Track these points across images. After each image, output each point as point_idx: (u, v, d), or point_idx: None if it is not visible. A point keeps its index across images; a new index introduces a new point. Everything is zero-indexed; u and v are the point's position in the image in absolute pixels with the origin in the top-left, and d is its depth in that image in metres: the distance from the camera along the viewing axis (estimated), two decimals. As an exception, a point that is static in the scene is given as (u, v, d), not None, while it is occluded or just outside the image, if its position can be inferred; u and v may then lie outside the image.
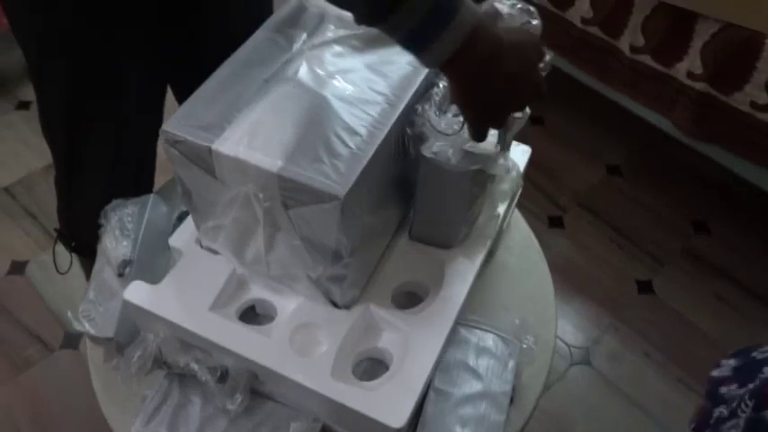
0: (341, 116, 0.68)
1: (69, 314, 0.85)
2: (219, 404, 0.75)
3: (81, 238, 1.04)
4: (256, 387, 0.77)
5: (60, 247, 1.11)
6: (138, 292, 0.77)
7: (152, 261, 0.90)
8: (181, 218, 0.97)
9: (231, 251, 0.76)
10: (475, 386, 0.76)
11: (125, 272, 0.86)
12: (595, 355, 1.46)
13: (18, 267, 1.54)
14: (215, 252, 0.81)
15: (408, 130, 0.71)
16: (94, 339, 0.83)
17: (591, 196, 1.78)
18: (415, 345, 0.74)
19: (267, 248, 0.73)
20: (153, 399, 0.77)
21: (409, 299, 0.82)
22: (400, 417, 0.68)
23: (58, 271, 1.16)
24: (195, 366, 0.75)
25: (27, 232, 1.61)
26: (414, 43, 0.56)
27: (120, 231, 0.88)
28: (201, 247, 0.81)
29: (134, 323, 0.82)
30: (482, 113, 0.62)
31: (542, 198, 1.76)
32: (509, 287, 0.94)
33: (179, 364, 0.77)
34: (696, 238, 1.70)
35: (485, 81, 0.58)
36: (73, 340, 1.43)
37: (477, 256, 0.83)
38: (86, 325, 0.82)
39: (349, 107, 0.69)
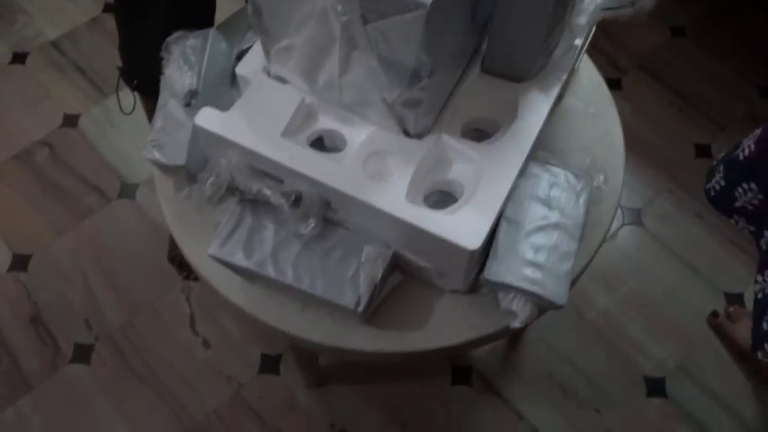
0: None
1: (144, 147, 0.86)
2: (292, 229, 0.76)
3: (143, 73, 1.03)
4: (328, 215, 0.78)
5: (124, 90, 1.11)
6: (209, 118, 0.76)
7: (216, 94, 0.89)
8: (240, 56, 0.95)
9: (303, 76, 0.74)
10: (548, 216, 0.75)
11: (192, 102, 0.85)
12: (647, 215, 1.45)
13: (71, 120, 1.55)
14: (283, 81, 0.79)
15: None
16: (164, 168, 0.84)
17: (652, 58, 1.69)
18: (487, 174, 0.73)
19: (342, 70, 0.70)
20: (227, 223, 0.78)
21: (478, 136, 0.80)
22: (475, 239, 0.68)
23: (122, 111, 1.16)
24: (268, 192, 0.76)
25: (77, 86, 1.60)
26: None
27: (184, 62, 0.86)
28: (269, 76, 0.79)
29: (203, 152, 0.82)
30: None
31: (600, 58, 1.68)
32: (578, 130, 0.91)
33: (251, 190, 0.77)
34: (761, 103, 1.62)
35: None
36: (129, 190, 1.46)
37: (552, 89, 0.80)
38: (156, 154, 0.83)
39: None
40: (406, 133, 0.75)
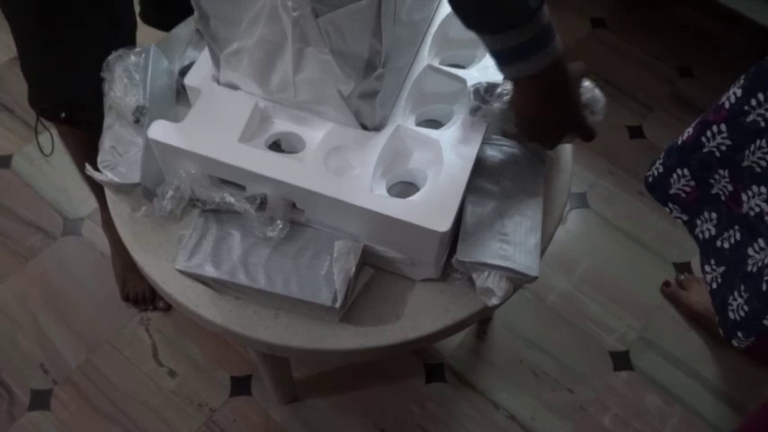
0: None
1: (88, 169, 0.83)
2: (259, 233, 0.75)
3: (75, 102, 0.99)
4: (294, 217, 0.77)
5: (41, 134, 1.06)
6: (162, 130, 0.75)
7: (162, 111, 0.88)
8: (183, 72, 0.93)
9: (255, 79, 0.74)
10: (509, 193, 0.77)
11: (140, 118, 0.83)
12: (593, 198, 1.51)
13: (2, 161, 1.49)
14: (235, 87, 0.78)
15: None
16: (119, 189, 0.82)
17: (577, 49, 1.77)
18: (448, 158, 0.75)
19: (295, 69, 0.71)
20: (191, 236, 0.77)
21: (433, 126, 0.82)
22: (445, 221, 0.69)
23: (42, 153, 1.12)
24: (231, 199, 0.75)
25: (5, 126, 1.54)
26: (506, 58, 0.62)
27: (128, 80, 0.85)
28: (219, 84, 0.79)
29: (158, 167, 0.80)
30: (535, 131, 0.71)
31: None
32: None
33: (213, 200, 0.76)
34: (682, 81, 1.72)
35: (546, 104, 0.66)
36: (74, 225, 1.40)
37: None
38: (109, 174, 0.81)
39: None
40: (364, 127, 0.76)
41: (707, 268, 0.86)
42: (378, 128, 0.76)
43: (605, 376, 1.27)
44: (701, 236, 0.87)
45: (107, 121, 0.86)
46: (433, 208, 0.71)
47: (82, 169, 1.18)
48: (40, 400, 1.20)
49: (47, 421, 1.18)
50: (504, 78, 0.70)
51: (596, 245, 1.44)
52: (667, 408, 1.24)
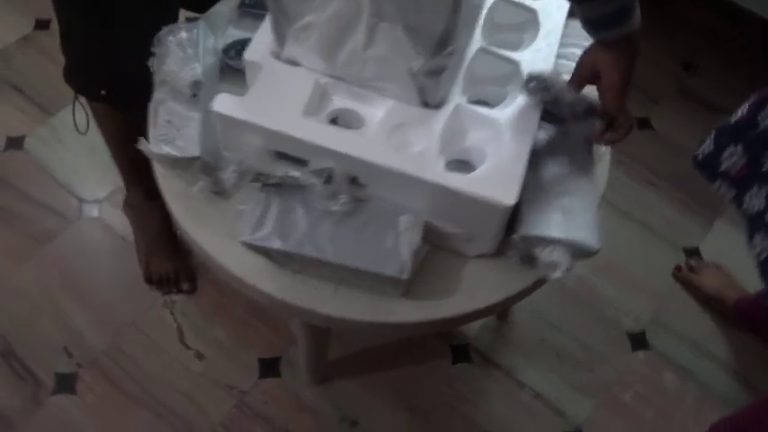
0: None
1: (141, 143, 0.83)
2: (322, 207, 0.76)
3: (117, 80, 0.98)
4: (354, 193, 0.78)
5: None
6: (227, 104, 0.75)
7: (213, 88, 0.88)
8: (226, 51, 0.94)
9: (322, 54, 0.75)
10: (565, 168, 0.80)
11: (197, 93, 0.83)
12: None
13: (15, 143, 1.46)
14: (295, 64, 0.79)
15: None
16: (175, 163, 0.81)
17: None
18: (508, 135, 0.76)
19: (366, 44, 0.72)
20: (254, 209, 0.77)
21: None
22: (510, 194, 0.71)
23: (78, 131, 1.11)
24: (297, 173, 0.75)
25: (17, 107, 1.51)
26: (610, 20, 0.70)
27: (182, 54, 0.85)
28: (279, 59, 0.79)
29: (215, 142, 0.80)
30: (625, 93, 0.78)
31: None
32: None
33: (275, 174, 0.77)
34: (686, 75, 1.77)
35: (634, 63, 0.75)
36: (91, 208, 1.39)
37: (551, 55, 0.84)
38: (166, 148, 0.81)
39: None
40: (425, 104, 0.78)
41: (755, 241, 0.89)
42: (438, 106, 0.78)
43: (624, 356, 1.31)
44: (749, 210, 0.91)
45: (158, 95, 0.86)
46: (497, 182, 0.72)
47: (115, 148, 1.17)
48: (65, 383, 1.19)
49: (72, 404, 1.17)
50: (597, 41, 0.74)
51: (610, 232, 1.47)
52: (683, 385, 1.29)
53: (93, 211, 1.39)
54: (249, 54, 0.81)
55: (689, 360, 1.31)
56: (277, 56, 0.79)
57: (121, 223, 1.35)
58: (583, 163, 0.82)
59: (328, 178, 0.75)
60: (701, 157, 0.96)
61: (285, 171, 0.76)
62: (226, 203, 0.84)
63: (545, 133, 0.84)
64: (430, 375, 1.25)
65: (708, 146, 0.95)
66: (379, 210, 0.78)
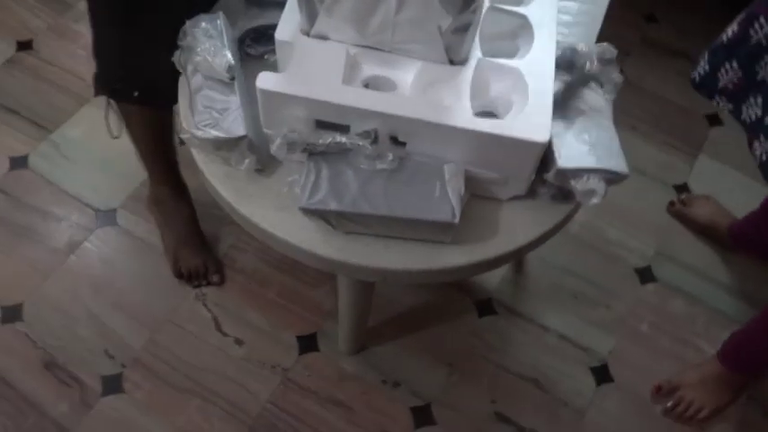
0: None
1: (182, 131, 0.87)
2: (370, 167, 0.81)
3: (147, 79, 1.01)
4: (396, 152, 0.83)
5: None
6: (270, 80, 0.79)
7: (242, 73, 0.92)
8: (242, 40, 0.98)
9: (355, 24, 0.80)
10: (585, 105, 0.87)
11: (234, 76, 0.87)
12: (593, 137, 1.63)
13: (19, 162, 1.46)
14: (324, 38, 0.84)
15: None
16: (222, 145, 0.85)
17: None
18: (530, 82, 0.83)
19: (398, 9, 0.77)
20: (307, 177, 0.82)
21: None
22: (543, 132, 0.78)
23: (112, 135, 1.13)
24: (343, 138, 0.80)
25: (15, 128, 1.51)
26: None
27: (210, 43, 0.89)
28: (309, 36, 0.84)
29: (256, 121, 0.85)
30: None
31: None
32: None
33: (321, 142, 0.82)
34: (649, 27, 1.87)
35: None
36: (107, 217, 1.41)
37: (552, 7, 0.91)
38: (214, 132, 0.85)
39: None
40: (451, 62, 0.83)
41: (755, 145, 0.96)
42: (464, 61, 0.84)
43: (635, 290, 1.40)
44: (747, 119, 0.98)
45: (193, 84, 0.90)
46: (530, 123, 0.79)
47: (144, 147, 1.20)
48: (112, 384, 1.22)
49: (123, 403, 1.20)
50: None
51: (603, 178, 1.56)
52: (692, 309, 1.38)
53: (111, 219, 1.41)
54: (279, 34, 0.85)
55: (694, 286, 1.41)
56: (306, 33, 0.84)
57: (140, 227, 1.38)
58: (597, 103, 0.89)
59: (375, 139, 0.80)
60: (698, 78, 1.03)
61: (331, 138, 0.81)
62: (268, 180, 0.89)
63: (559, 78, 0.91)
64: (459, 331, 1.31)
65: (702, 67, 1.02)
66: (421, 164, 0.83)
